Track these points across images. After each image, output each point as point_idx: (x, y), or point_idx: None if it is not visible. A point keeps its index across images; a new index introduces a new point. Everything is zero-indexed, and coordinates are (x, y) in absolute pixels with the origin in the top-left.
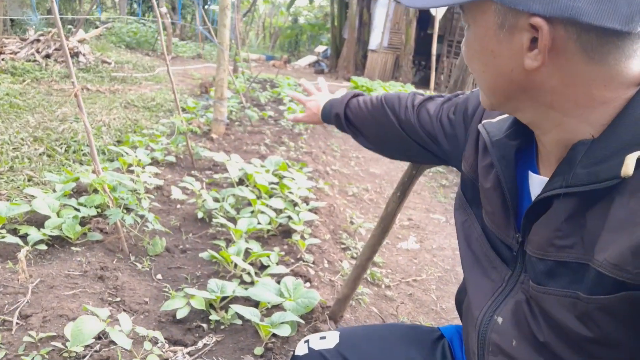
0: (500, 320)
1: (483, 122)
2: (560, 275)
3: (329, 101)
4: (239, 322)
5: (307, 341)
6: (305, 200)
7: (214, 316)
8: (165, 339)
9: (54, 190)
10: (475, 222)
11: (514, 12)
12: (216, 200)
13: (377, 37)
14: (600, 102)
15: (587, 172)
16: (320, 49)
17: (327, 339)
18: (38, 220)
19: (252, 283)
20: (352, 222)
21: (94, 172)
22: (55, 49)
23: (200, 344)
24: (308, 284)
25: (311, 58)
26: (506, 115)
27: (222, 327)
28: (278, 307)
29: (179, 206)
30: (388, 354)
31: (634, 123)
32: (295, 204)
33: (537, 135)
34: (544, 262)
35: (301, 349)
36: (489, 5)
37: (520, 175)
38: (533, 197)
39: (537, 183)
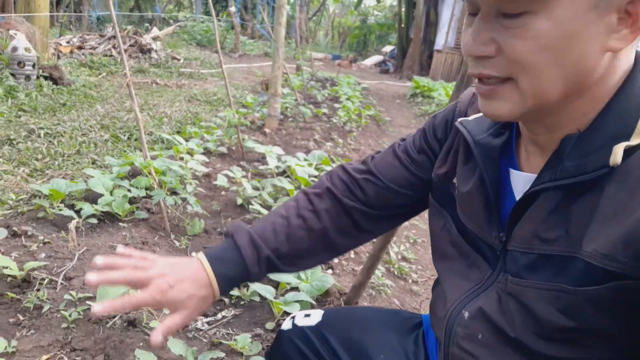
0: (466, 314)
1: (460, 120)
2: (542, 268)
3: (212, 257)
4: (258, 299)
5: (293, 317)
6: None
7: (235, 292)
8: None
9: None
10: (452, 225)
11: None
12: (256, 188)
13: (443, 37)
14: (600, 95)
15: (574, 164)
16: (388, 48)
17: (311, 317)
18: (94, 198)
19: None
20: None
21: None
22: (130, 45)
23: (219, 316)
24: (330, 271)
25: (377, 58)
26: (481, 114)
27: (242, 302)
28: (296, 289)
29: (222, 193)
30: (364, 334)
31: (619, 115)
32: None
33: (525, 133)
34: (527, 255)
35: (286, 325)
36: None
37: (502, 173)
38: (516, 194)
39: (520, 180)
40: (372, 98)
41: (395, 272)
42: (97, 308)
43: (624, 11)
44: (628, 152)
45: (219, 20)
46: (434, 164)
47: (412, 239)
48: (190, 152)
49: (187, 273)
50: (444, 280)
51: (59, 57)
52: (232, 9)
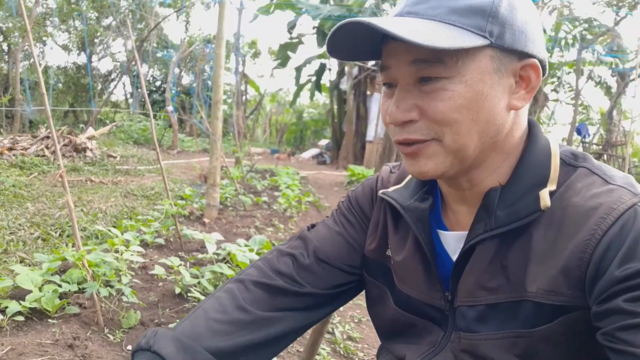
0: None
1: (382, 191)
2: (492, 318)
3: None
4: None
5: None
6: None
7: None
8: None
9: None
10: (389, 299)
11: (510, 56)
12: (195, 277)
13: (373, 129)
14: (510, 149)
15: (506, 213)
16: (324, 142)
17: None
18: (21, 296)
19: None
20: None
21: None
22: (64, 145)
23: None
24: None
25: (314, 151)
26: (401, 185)
27: None
28: None
29: (160, 284)
30: None
31: (533, 167)
32: None
33: (450, 193)
34: (474, 308)
35: None
36: (482, 51)
37: (432, 236)
38: (451, 254)
39: (451, 240)
40: (311, 186)
41: (342, 352)
42: None
43: (518, 75)
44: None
45: (156, 119)
46: (363, 229)
47: (357, 318)
48: (126, 245)
49: None
50: (395, 350)
51: None
52: (170, 108)
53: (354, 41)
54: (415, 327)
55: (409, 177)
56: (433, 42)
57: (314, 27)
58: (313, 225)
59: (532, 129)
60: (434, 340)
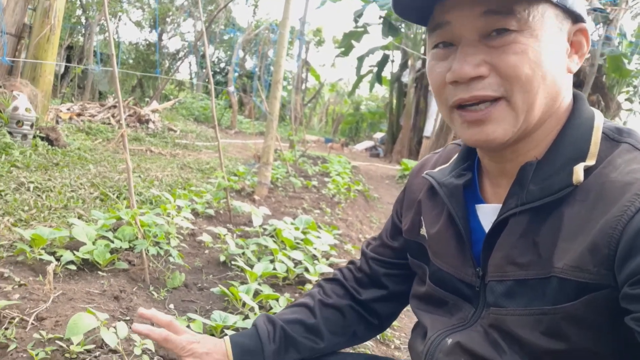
0: (449, 341)
1: (427, 172)
2: (519, 294)
3: (233, 335)
4: None
5: None
6: (326, 256)
7: None
8: (160, 355)
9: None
10: (426, 275)
11: (568, 18)
12: (240, 247)
13: (432, 124)
14: (560, 117)
15: (539, 187)
16: (379, 135)
17: None
18: (76, 247)
19: None
20: None
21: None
22: (129, 115)
23: None
24: None
25: (368, 143)
26: (447, 165)
27: None
28: None
29: (206, 251)
30: None
31: (572, 142)
32: (315, 258)
33: (490, 166)
34: (503, 283)
35: None
36: (549, 8)
37: (468, 211)
38: (485, 227)
39: (487, 212)
40: (362, 176)
41: (378, 337)
42: (139, 327)
43: (571, 40)
44: (584, 172)
45: (218, 99)
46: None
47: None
48: (178, 211)
49: (212, 347)
50: (425, 321)
51: (57, 122)
52: (231, 88)
53: None
54: (447, 304)
55: (455, 156)
56: None
57: (380, 17)
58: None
59: (577, 101)
60: (465, 316)
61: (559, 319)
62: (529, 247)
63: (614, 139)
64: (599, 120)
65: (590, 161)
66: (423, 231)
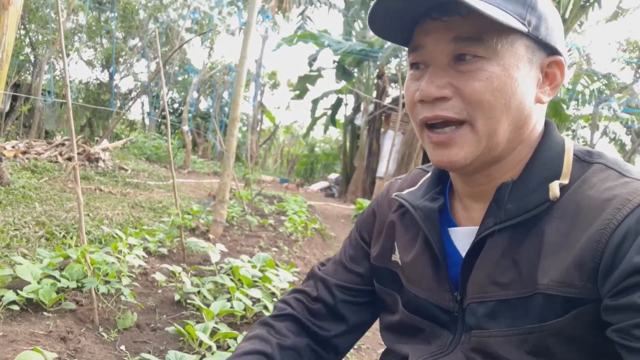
0: None
1: (395, 194)
2: (502, 315)
3: None
4: None
5: None
6: (285, 294)
7: None
8: None
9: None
10: (399, 304)
11: (541, 49)
12: (196, 285)
13: (384, 165)
14: (531, 144)
15: (516, 206)
16: (333, 176)
17: None
18: (20, 287)
19: None
20: None
21: (78, 245)
22: (78, 153)
23: None
24: None
25: (323, 183)
26: (415, 187)
27: None
28: None
29: (159, 290)
30: None
31: (546, 162)
32: (274, 295)
33: (463, 190)
34: (485, 304)
35: None
36: (519, 38)
37: (442, 235)
38: (460, 251)
39: (462, 235)
40: (318, 215)
41: None
42: None
43: (545, 71)
44: (559, 191)
45: (171, 139)
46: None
47: (357, 345)
48: (129, 248)
49: None
50: (402, 349)
51: (0, 160)
52: (185, 127)
53: (393, 15)
54: (423, 331)
55: (423, 180)
56: (491, 12)
57: (334, 62)
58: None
59: (548, 126)
60: (443, 343)
61: (545, 336)
62: (509, 266)
63: (584, 160)
64: (569, 144)
65: (564, 180)
66: (395, 257)
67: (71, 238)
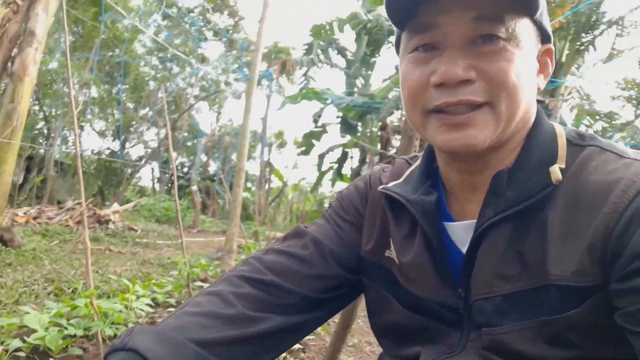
0: None
1: (382, 187)
2: (512, 309)
3: None
4: None
5: None
6: None
7: None
8: None
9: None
10: (394, 303)
11: (540, 35)
12: None
13: None
14: (528, 129)
15: (516, 192)
16: None
17: None
18: (27, 335)
19: None
20: None
21: (86, 292)
22: (88, 216)
23: None
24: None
25: None
26: (400, 180)
27: None
28: None
29: None
30: None
31: (540, 147)
32: None
33: (457, 181)
34: (492, 300)
35: None
36: (528, 22)
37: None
38: (459, 245)
39: (460, 230)
40: None
41: None
42: None
43: (539, 59)
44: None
45: (180, 200)
46: (358, 229)
47: (355, 344)
48: (137, 297)
49: None
50: (404, 353)
51: (13, 225)
52: (194, 187)
53: None
54: (428, 330)
55: (407, 172)
56: None
57: (337, 117)
58: (305, 227)
59: (537, 113)
60: (452, 342)
61: (563, 327)
62: (514, 258)
63: (577, 143)
64: (559, 128)
65: (561, 164)
66: (390, 254)
67: (79, 294)
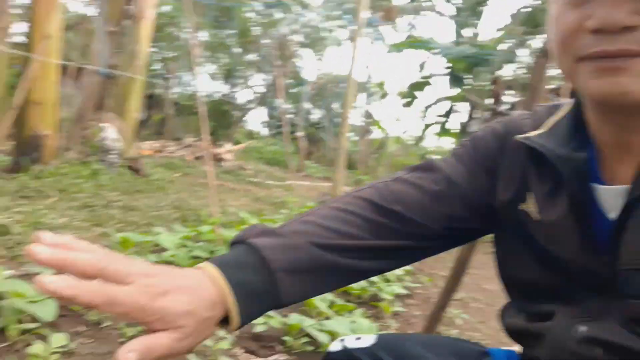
0: (582, 329)
1: (522, 136)
2: None
3: (222, 263)
4: (311, 348)
5: (343, 340)
6: (400, 280)
7: (289, 340)
8: (242, 347)
9: None
10: (528, 256)
11: None
12: None
13: None
14: None
15: None
16: None
17: (363, 340)
18: (159, 253)
19: None
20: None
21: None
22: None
23: (271, 359)
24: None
25: None
26: (544, 130)
27: (294, 351)
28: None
29: None
30: (424, 357)
31: None
32: (388, 280)
33: (611, 140)
34: None
35: (335, 346)
36: None
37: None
38: (607, 211)
39: (609, 195)
40: None
41: None
42: (47, 282)
43: None
44: None
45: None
46: (491, 175)
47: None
48: None
49: (186, 281)
50: (542, 307)
51: (140, 157)
52: (300, 133)
53: None
54: (565, 292)
55: (551, 123)
56: None
57: (446, 67)
58: (435, 162)
59: None
60: (591, 308)
61: None
62: None
63: None
64: None
65: None
66: (526, 207)
67: (202, 221)
